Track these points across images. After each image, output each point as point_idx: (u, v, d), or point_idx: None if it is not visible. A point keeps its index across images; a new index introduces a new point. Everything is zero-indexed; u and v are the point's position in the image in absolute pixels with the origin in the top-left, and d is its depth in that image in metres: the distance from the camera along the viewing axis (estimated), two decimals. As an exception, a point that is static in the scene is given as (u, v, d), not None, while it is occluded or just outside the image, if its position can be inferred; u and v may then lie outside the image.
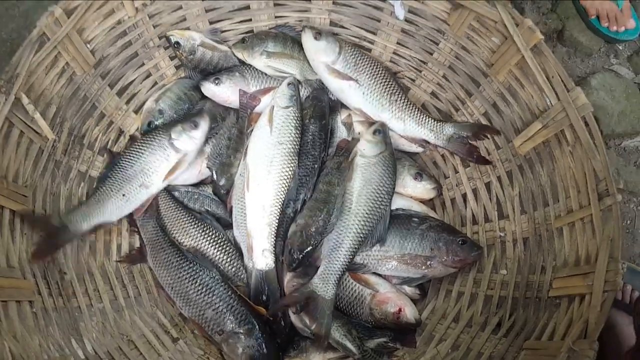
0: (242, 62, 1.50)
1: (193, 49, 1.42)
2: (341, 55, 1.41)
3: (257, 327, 1.22)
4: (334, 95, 1.49)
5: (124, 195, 1.32)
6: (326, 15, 1.48)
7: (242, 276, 1.35)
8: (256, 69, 1.48)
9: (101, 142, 1.40)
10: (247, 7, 1.47)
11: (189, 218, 1.38)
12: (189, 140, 1.36)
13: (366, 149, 1.36)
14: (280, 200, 1.34)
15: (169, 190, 1.43)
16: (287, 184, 1.34)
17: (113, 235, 1.39)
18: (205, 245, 1.36)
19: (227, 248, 1.37)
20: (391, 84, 1.43)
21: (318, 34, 1.39)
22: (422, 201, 1.47)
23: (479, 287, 1.30)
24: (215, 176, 1.44)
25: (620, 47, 1.93)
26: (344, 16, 1.48)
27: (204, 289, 1.25)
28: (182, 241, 1.37)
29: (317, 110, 1.44)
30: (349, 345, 1.23)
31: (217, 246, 1.36)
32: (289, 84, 1.42)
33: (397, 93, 1.42)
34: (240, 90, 1.45)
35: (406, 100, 1.43)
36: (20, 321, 1.03)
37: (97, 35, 1.30)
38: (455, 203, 1.47)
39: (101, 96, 1.37)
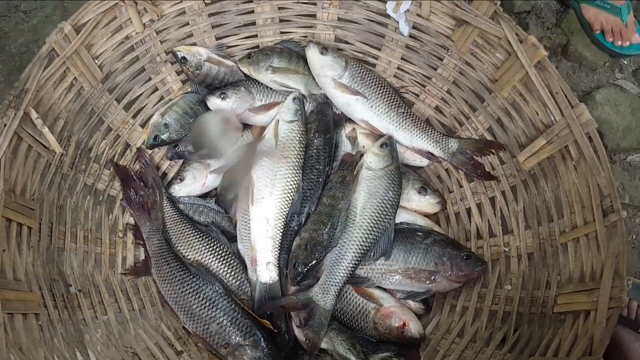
0: (248, 77, 1.51)
1: (199, 64, 1.43)
2: (347, 69, 1.42)
3: (262, 339, 1.22)
4: (339, 110, 1.50)
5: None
6: (331, 31, 1.49)
7: (246, 289, 1.35)
8: (262, 84, 1.50)
9: (108, 155, 1.41)
10: (253, 23, 1.48)
11: (193, 231, 1.39)
12: None
13: (372, 161, 1.36)
14: (284, 214, 1.34)
15: (174, 202, 1.44)
16: (291, 198, 1.35)
17: (118, 248, 1.40)
18: (209, 259, 1.36)
19: (232, 261, 1.37)
20: (396, 98, 1.44)
21: (324, 49, 1.41)
22: (427, 215, 1.47)
23: (484, 302, 1.30)
24: (219, 189, 1.46)
25: (625, 62, 1.93)
26: (349, 32, 1.49)
27: (208, 303, 1.25)
28: (186, 254, 1.37)
29: (322, 124, 1.45)
30: (353, 359, 1.22)
31: (221, 259, 1.36)
32: (294, 98, 1.44)
33: (403, 106, 1.44)
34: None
35: (412, 114, 1.44)
36: (26, 333, 1.03)
37: (105, 50, 1.31)
38: (459, 217, 1.47)
39: (108, 110, 1.39)
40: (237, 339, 1.22)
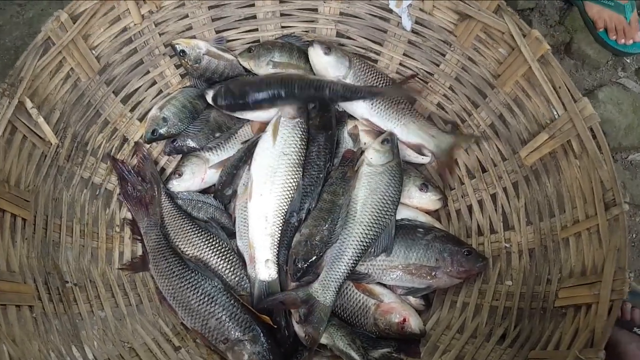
0: (248, 72, 1.50)
1: (198, 57, 1.42)
2: (351, 69, 1.41)
3: (261, 334, 1.20)
4: (341, 107, 1.48)
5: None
6: (333, 25, 1.48)
7: (245, 285, 1.34)
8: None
9: (105, 149, 1.40)
10: (254, 17, 1.47)
11: (192, 226, 1.38)
12: None
13: (373, 157, 1.35)
14: (283, 211, 1.33)
15: (172, 197, 1.43)
16: (290, 195, 1.33)
17: (115, 243, 1.39)
18: (208, 254, 1.34)
19: (231, 257, 1.35)
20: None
21: (327, 49, 1.39)
22: (428, 212, 1.46)
23: (484, 298, 1.29)
24: (218, 185, 1.44)
25: (628, 60, 1.93)
26: (351, 27, 1.48)
27: (206, 299, 1.24)
28: (185, 250, 1.36)
29: (324, 121, 1.43)
30: (353, 354, 1.21)
31: (220, 255, 1.35)
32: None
33: (404, 102, 1.43)
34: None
35: (414, 110, 1.44)
36: (19, 326, 1.02)
37: (103, 41, 1.29)
38: (460, 214, 1.46)
39: (105, 103, 1.37)
40: (236, 334, 1.20)
